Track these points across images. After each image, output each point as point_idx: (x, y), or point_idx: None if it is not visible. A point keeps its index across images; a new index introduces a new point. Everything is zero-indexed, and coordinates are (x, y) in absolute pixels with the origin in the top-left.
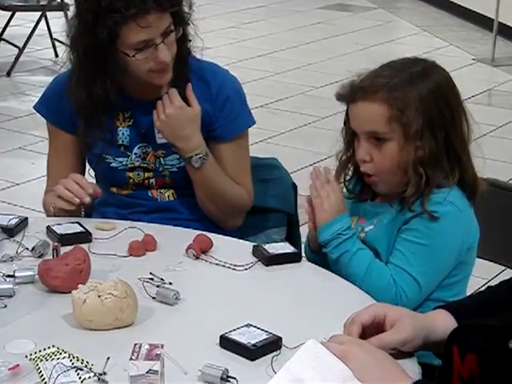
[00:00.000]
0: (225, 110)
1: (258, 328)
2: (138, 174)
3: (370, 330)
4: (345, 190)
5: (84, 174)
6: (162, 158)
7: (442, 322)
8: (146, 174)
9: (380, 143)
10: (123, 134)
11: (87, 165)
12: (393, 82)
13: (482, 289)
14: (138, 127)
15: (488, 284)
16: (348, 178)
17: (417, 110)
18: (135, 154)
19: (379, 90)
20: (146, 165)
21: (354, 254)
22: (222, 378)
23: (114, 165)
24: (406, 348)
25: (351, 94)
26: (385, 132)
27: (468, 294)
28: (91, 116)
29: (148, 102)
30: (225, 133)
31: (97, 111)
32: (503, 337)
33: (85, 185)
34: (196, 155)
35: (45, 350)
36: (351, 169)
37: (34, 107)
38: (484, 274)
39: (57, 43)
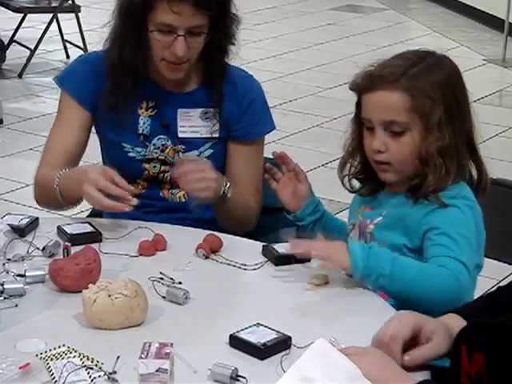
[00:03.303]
0: (248, 113)
1: (268, 327)
2: (155, 166)
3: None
4: (348, 184)
5: (79, 161)
6: (181, 153)
7: (457, 328)
8: (163, 168)
9: (397, 133)
10: (144, 122)
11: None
12: (411, 71)
13: (492, 289)
14: (160, 118)
15: (498, 284)
16: (354, 170)
17: (437, 100)
18: (154, 145)
19: (399, 78)
20: (164, 157)
21: (398, 257)
22: (231, 377)
23: (131, 154)
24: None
25: (369, 83)
26: (404, 122)
27: (479, 294)
28: (119, 79)
29: (173, 95)
30: (245, 135)
31: (125, 75)
32: (510, 335)
33: (124, 184)
34: (226, 185)
35: (55, 349)
36: (357, 160)
37: (54, 79)
38: (494, 275)
39: (68, 45)
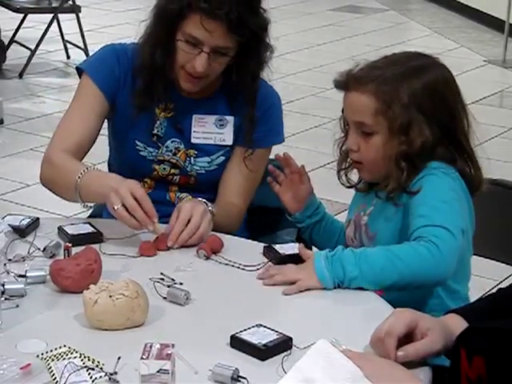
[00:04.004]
0: (262, 120)
1: (269, 328)
2: (164, 168)
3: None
4: (345, 178)
5: (90, 148)
6: (192, 158)
7: (458, 328)
8: (172, 170)
9: (367, 135)
10: (160, 123)
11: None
12: (385, 75)
13: (493, 291)
14: (176, 121)
15: (499, 286)
16: (348, 166)
17: (405, 105)
18: (167, 147)
19: (370, 81)
20: (175, 161)
21: (363, 251)
22: (232, 378)
23: (143, 154)
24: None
25: (346, 82)
26: (371, 124)
27: (479, 294)
28: (151, 81)
29: (191, 100)
30: (254, 142)
31: (157, 78)
32: (510, 339)
33: (150, 209)
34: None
35: (56, 349)
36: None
37: (79, 65)
38: (494, 276)
39: (68, 45)
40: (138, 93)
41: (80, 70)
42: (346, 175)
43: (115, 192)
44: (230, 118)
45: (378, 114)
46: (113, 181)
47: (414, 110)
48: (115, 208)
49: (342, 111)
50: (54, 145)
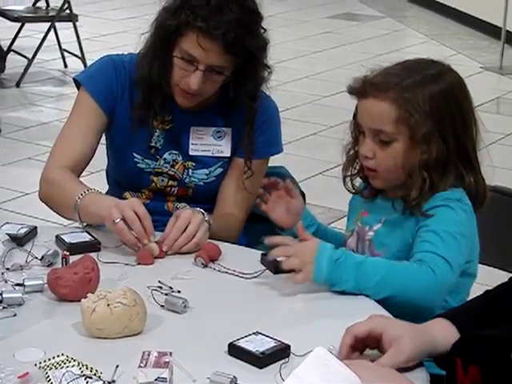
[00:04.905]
0: (260, 132)
1: (267, 336)
2: (162, 180)
3: (369, 341)
4: (350, 184)
5: (87, 165)
6: (190, 170)
7: (443, 334)
8: (170, 182)
9: (384, 142)
10: (158, 135)
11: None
12: (405, 82)
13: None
14: (174, 133)
15: None
16: (355, 172)
17: (426, 113)
18: (164, 159)
19: (390, 88)
20: (173, 173)
21: (365, 261)
22: None
23: (141, 166)
24: (407, 365)
25: (362, 89)
26: (391, 132)
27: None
28: (149, 95)
29: (189, 112)
30: (252, 153)
31: (156, 92)
32: (505, 348)
33: (148, 226)
34: (208, 222)
35: (54, 358)
36: (358, 163)
37: (76, 77)
38: (493, 282)
39: (66, 54)
40: (136, 106)
41: (77, 82)
42: (352, 181)
43: (115, 207)
44: (228, 130)
45: (399, 122)
46: (113, 201)
47: (435, 118)
48: (115, 221)
49: (354, 116)
50: (52, 162)
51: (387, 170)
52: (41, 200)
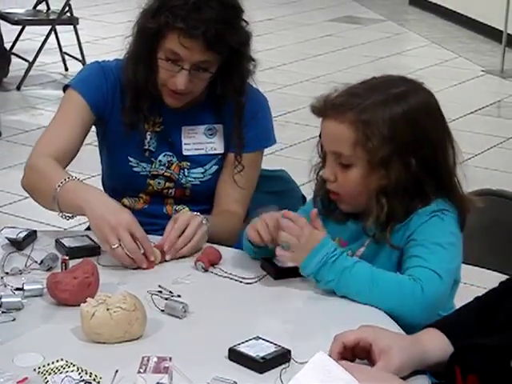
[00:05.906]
0: (250, 126)
1: (267, 341)
2: (159, 183)
3: (358, 351)
4: (320, 205)
5: (72, 159)
6: (186, 170)
7: (434, 344)
8: (167, 184)
9: (345, 166)
10: (151, 138)
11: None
12: (365, 103)
13: None
14: (166, 135)
15: None
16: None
17: (384, 137)
18: (160, 161)
19: (349, 110)
20: (169, 174)
21: (352, 268)
22: None
23: (136, 169)
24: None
25: (323, 109)
26: (349, 155)
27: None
28: (137, 99)
29: (179, 112)
30: (244, 147)
31: (143, 96)
32: (504, 357)
33: (148, 248)
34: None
35: (53, 363)
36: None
37: (67, 84)
38: (491, 286)
39: (66, 57)
40: (126, 110)
41: (68, 88)
42: (323, 202)
43: (112, 230)
44: (219, 127)
45: (356, 146)
46: (96, 203)
47: (396, 141)
48: (112, 247)
49: (320, 136)
50: (37, 151)
51: (349, 194)
52: (23, 188)
